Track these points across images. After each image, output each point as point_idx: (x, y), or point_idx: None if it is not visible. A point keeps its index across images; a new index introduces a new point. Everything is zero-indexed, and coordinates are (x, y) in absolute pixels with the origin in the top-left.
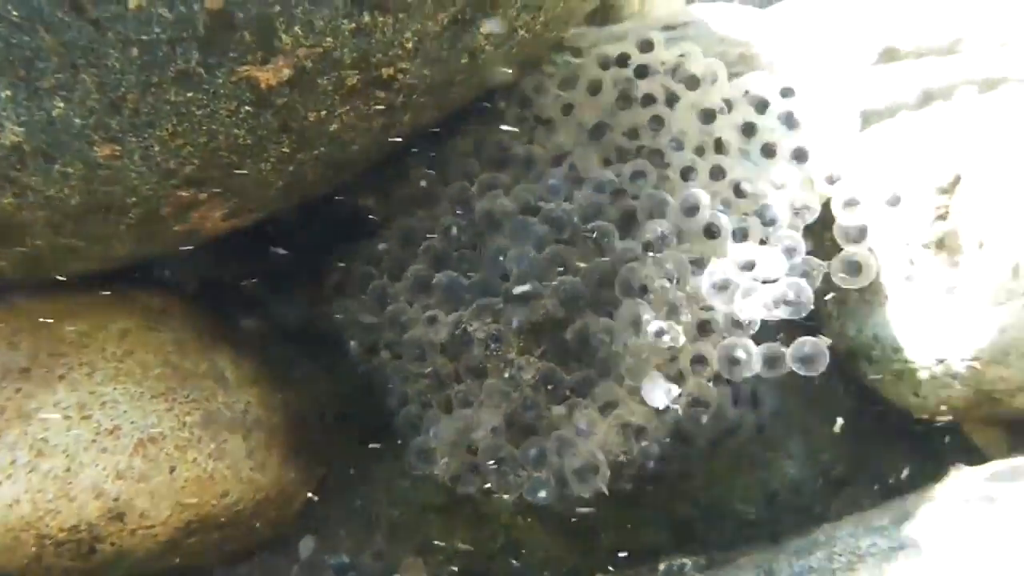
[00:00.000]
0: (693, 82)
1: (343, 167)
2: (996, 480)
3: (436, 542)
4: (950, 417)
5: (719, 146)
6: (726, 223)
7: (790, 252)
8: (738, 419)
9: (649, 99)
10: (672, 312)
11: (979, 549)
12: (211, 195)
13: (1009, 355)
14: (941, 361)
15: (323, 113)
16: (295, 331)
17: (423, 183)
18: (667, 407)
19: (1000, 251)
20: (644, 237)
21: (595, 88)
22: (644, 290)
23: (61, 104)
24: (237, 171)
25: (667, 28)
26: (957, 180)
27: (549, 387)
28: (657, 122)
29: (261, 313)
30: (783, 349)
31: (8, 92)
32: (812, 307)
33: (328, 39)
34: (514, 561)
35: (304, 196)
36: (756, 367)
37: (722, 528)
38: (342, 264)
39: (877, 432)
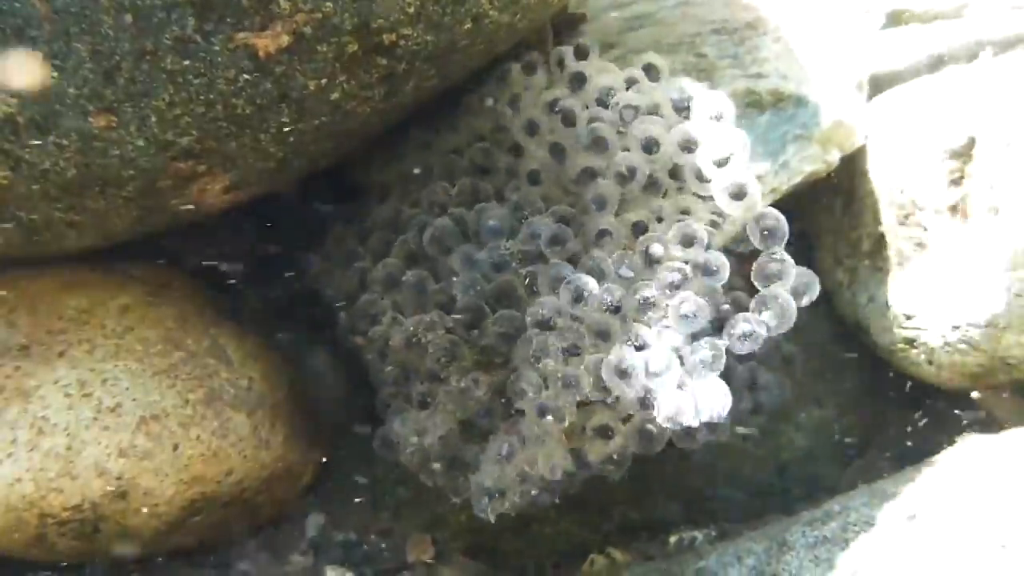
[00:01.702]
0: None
1: (345, 138)
2: (1010, 447)
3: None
4: (963, 384)
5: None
6: (623, 298)
7: (689, 319)
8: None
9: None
10: (566, 387)
11: (993, 517)
12: (210, 167)
13: None
14: (955, 328)
15: (323, 81)
16: (298, 307)
17: (417, 169)
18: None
19: (1016, 216)
20: (537, 315)
21: (532, 130)
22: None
23: (54, 73)
24: (236, 142)
25: None
26: (971, 144)
27: (502, 399)
28: (587, 175)
29: (264, 288)
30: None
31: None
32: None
33: (327, 4)
34: (522, 536)
35: (306, 169)
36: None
37: (733, 500)
38: (334, 236)
39: (889, 401)
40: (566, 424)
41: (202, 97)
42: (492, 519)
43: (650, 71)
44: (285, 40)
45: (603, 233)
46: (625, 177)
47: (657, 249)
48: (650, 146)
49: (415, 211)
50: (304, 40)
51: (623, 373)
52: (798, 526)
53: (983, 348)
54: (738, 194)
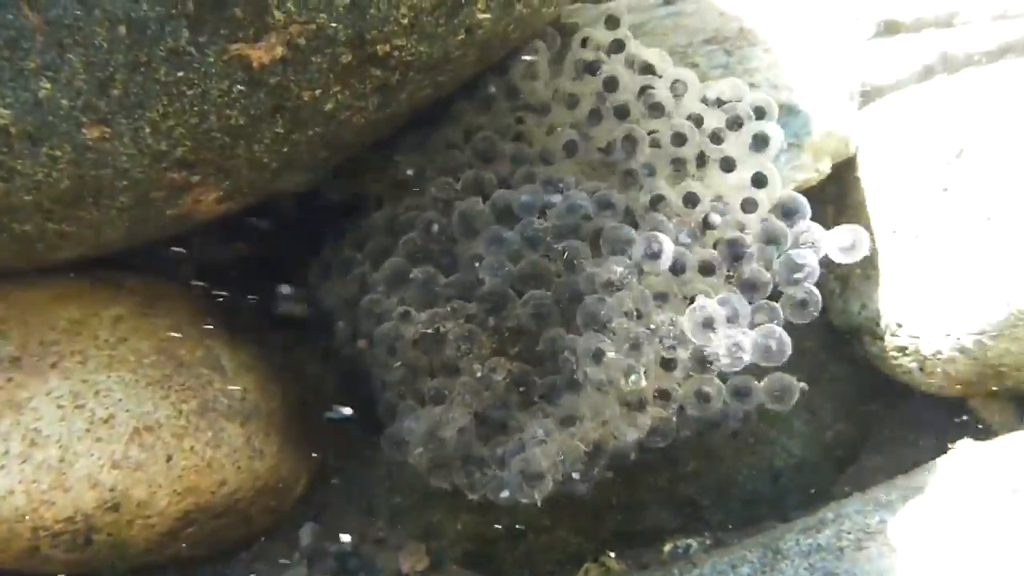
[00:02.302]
0: (658, 109)
1: (339, 148)
2: (1002, 454)
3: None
4: (956, 392)
5: (691, 165)
6: (692, 262)
7: (751, 288)
8: (725, 411)
9: (622, 112)
10: (634, 348)
11: (987, 524)
12: (204, 178)
13: (1016, 328)
14: (947, 336)
15: (317, 92)
16: (292, 316)
17: (410, 171)
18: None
19: (1007, 224)
20: (603, 276)
21: (572, 101)
22: (604, 326)
23: (48, 85)
24: (230, 153)
25: (666, 3)
26: (962, 153)
27: (520, 389)
28: (629, 142)
29: (257, 298)
30: (753, 383)
31: None
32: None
33: (321, 15)
34: (517, 545)
35: (300, 177)
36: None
37: (727, 508)
38: (330, 247)
39: (882, 408)
40: (639, 385)
41: (196, 108)
42: (539, 502)
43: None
44: (279, 51)
45: (659, 198)
46: (677, 140)
47: (715, 218)
48: (698, 122)
49: (413, 213)
50: (298, 51)
51: (708, 323)
52: (792, 534)
53: (975, 356)
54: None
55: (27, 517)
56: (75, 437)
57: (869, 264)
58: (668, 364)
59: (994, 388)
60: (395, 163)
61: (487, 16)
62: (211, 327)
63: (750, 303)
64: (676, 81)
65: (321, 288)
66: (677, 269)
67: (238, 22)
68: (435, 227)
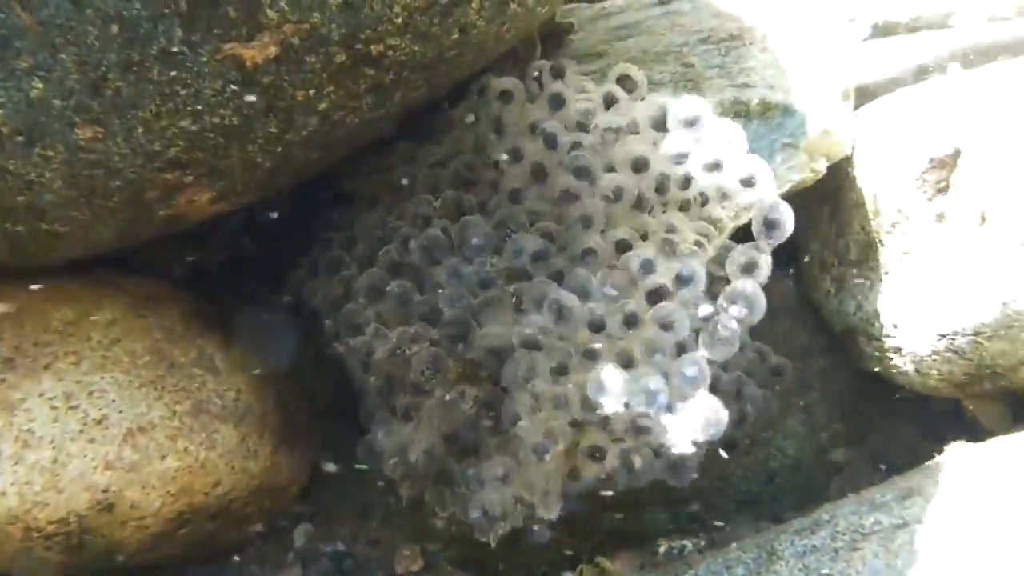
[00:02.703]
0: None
1: (332, 148)
2: (996, 455)
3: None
4: (951, 393)
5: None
6: (611, 317)
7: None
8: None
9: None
10: (557, 407)
11: (982, 524)
12: (197, 178)
13: (1011, 329)
14: (942, 336)
15: (311, 92)
16: (285, 316)
17: (404, 180)
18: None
19: (1003, 225)
20: (522, 335)
21: (516, 155)
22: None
23: (40, 85)
24: (224, 153)
25: (661, 3)
26: (957, 154)
27: (490, 413)
28: (569, 196)
29: (252, 298)
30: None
31: None
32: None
33: (315, 14)
34: (512, 546)
35: (293, 179)
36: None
37: (722, 509)
38: (319, 243)
39: (877, 409)
40: (561, 447)
41: (189, 108)
42: (493, 544)
43: (626, 82)
44: (273, 51)
45: (587, 252)
46: (611, 199)
47: (635, 264)
48: (640, 166)
49: (400, 222)
50: (292, 51)
51: (602, 392)
52: (787, 535)
53: (969, 357)
54: (748, 181)
55: (20, 518)
56: (68, 438)
57: (864, 265)
58: (603, 422)
59: (988, 389)
60: (389, 167)
61: (481, 16)
62: (204, 328)
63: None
64: (607, 130)
65: (307, 287)
66: (596, 327)
67: (231, 21)
68: (412, 243)
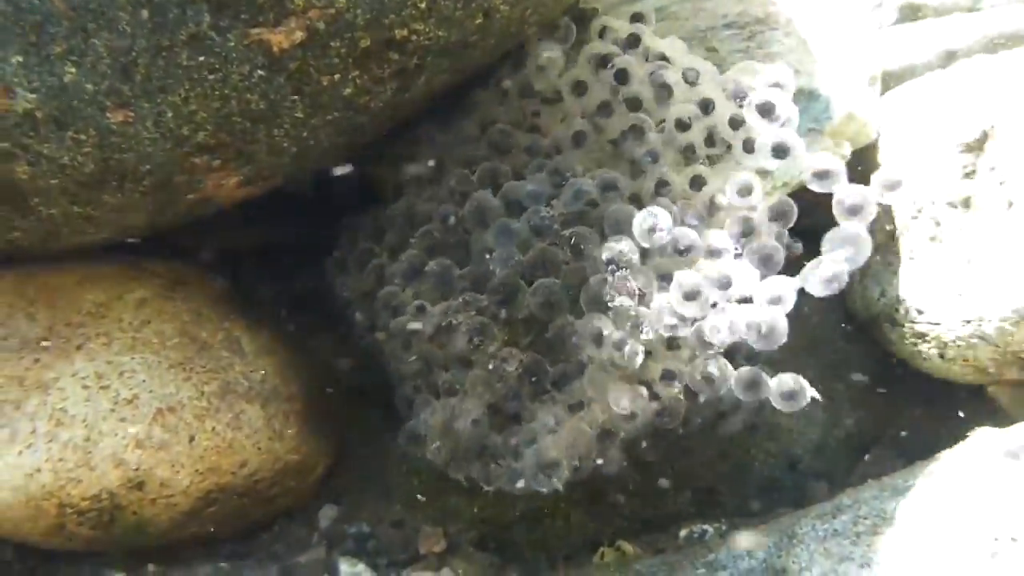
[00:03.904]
0: (665, 90)
1: (358, 133)
2: (1021, 441)
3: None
4: (975, 379)
5: (697, 150)
6: (695, 240)
7: (766, 262)
8: (734, 401)
9: (633, 104)
10: (635, 328)
11: (1006, 510)
12: (225, 162)
13: None
14: (968, 322)
15: (336, 77)
16: (310, 301)
17: (430, 162)
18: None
19: None
20: (604, 255)
21: (581, 89)
22: (606, 306)
23: (73, 70)
24: (251, 137)
25: None
26: (984, 138)
27: (532, 379)
28: (636, 132)
29: (277, 282)
30: (763, 376)
31: (20, 58)
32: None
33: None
34: (533, 529)
35: (319, 163)
36: (730, 384)
37: (744, 494)
38: (347, 236)
39: (900, 395)
40: (638, 363)
41: (217, 92)
42: (560, 488)
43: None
44: (299, 36)
45: (663, 183)
46: (680, 127)
47: (721, 199)
48: (706, 105)
49: (430, 205)
50: (318, 35)
51: (691, 295)
52: (808, 519)
53: (995, 343)
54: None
55: (54, 494)
56: (100, 417)
57: (889, 250)
58: (672, 344)
59: (1014, 375)
60: (414, 153)
61: (505, 1)
62: (231, 311)
63: (762, 278)
64: (688, 69)
65: (339, 278)
66: (682, 250)
67: (258, 7)
68: (452, 219)
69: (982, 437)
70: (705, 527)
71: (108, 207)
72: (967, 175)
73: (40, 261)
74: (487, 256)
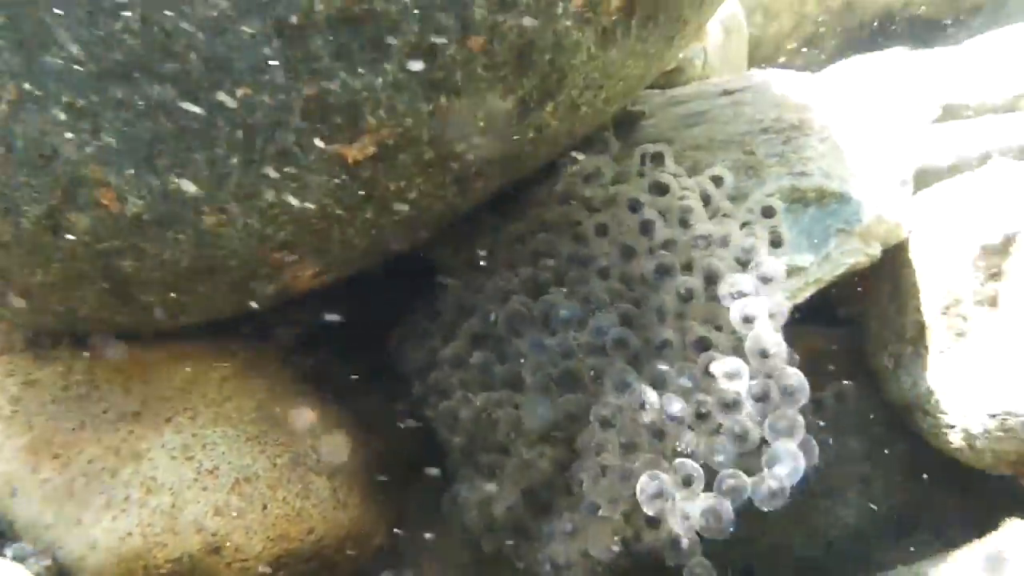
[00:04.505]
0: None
1: (421, 228)
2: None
3: None
4: (1005, 469)
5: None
6: (684, 409)
7: (739, 440)
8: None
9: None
10: (623, 479)
11: None
12: (302, 257)
13: None
14: (992, 416)
15: (403, 183)
16: (376, 375)
17: (482, 253)
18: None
19: None
20: (600, 413)
21: (601, 231)
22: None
23: (175, 180)
24: (326, 236)
25: (726, 92)
26: (1008, 242)
27: (563, 473)
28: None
29: (347, 359)
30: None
31: (132, 170)
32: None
33: (408, 120)
34: None
35: (386, 255)
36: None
37: (780, 574)
38: (408, 315)
39: (937, 482)
40: (618, 513)
41: (297, 198)
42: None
43: (717, 182)
44: (371, 150)
45: (664, 344)
46: (683, 298)
47: (716, 368)
48: (714, 278)
49: (480, 296)
50: (387, 149)
51: (657, 495)
52: None
53: (1020, 436)
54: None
55: (142, 557)
56: (185, 486)
57: (920, 343)
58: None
59: None
60: (470, 240)
61: (555, 117)
62: (303, 388)
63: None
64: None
65: (399, 352)
66: (672, 417)
67: (337, 128)
68: (492, 316)
69: (1014, 528)
70: None
71: (198, 295)
72: (992, 276)
73: (137, 340)
74: (520, 360)
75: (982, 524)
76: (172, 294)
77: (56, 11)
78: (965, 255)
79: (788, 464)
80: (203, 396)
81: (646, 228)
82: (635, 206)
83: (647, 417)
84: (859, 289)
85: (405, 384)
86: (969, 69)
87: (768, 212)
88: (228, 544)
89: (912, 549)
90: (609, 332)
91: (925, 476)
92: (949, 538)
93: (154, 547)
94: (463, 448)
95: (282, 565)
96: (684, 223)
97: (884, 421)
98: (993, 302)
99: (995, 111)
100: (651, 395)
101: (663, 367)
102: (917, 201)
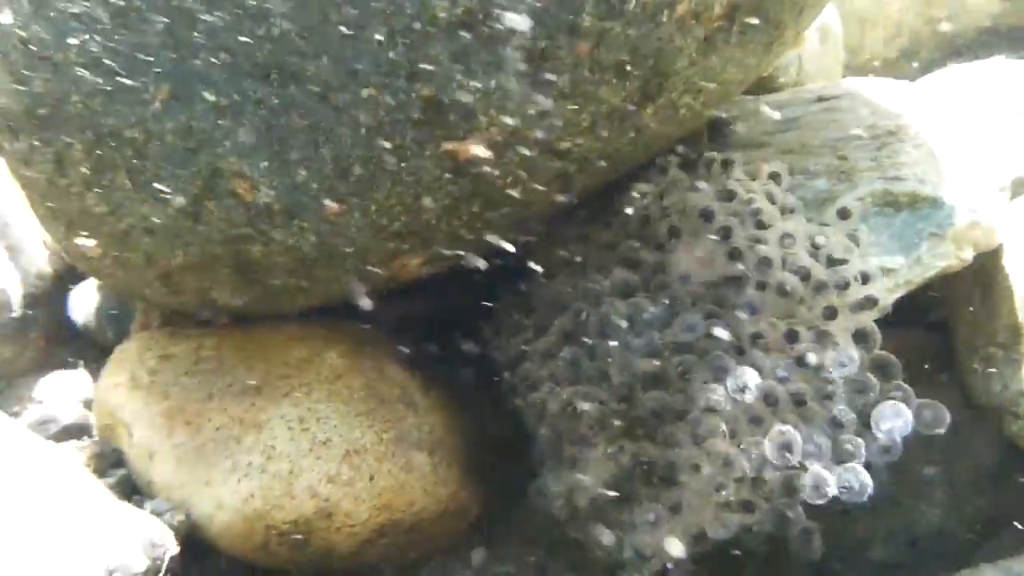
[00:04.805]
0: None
1: (524, 223)
2: None
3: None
4: None
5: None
6: (783, 395)
7: (837, 426)
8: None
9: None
10: (726, 465)
11: None
12: (412, 247)
13: None
14: None
15: (509, 179)
16: (473, 363)
17: (578, 257)
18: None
19: None
20: (702, 401)
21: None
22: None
23: (303, 172)
24: (435, 227)
25: (820, 99)
26: None
27: (644, 467)
28: (736, 284)
29: (447, 345)
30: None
31: (266, 163)
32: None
33: (517, 120)
34: None
35: (490, 247)
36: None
37: (862, 571)
38: (503, 306)
39: (1021, 486)
40: (723, 496)
41: (412, 191)
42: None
43: (776, 179)
44: (481, 148)
45: (757, 335)
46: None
47: (812, 358)
48: (805, 276)
49: (571, 295)
50: (495, 147)
51: (786, 446)
52: None
53: None
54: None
55: (263, 517)
56: (300, 454)
57: (1012, 348)
58: (757, 482)
59: None
60: (565, 243)
61: (654, 119)
62: (407, 371)
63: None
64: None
65: (493, 343)
66: (770, 401)
67: (451, 125)
68: (583, 315)
69: None
70: None
71: (318, 280)
72: None
73: (260, 321)
74: (608, 359)
75: None
76: (294, 279)
77: (205, 17)
78: None
79: (896, 420)
80: (317, 374)
81: (725, 234)
82: (708, 215)
83: (748, 400)
84: (950, 293)
85: (497, 373)
86: None
87: (844, 214)
88: (338, 510)
89: (1000, 550)
90: (697, 328)
91: (1012, 479)
92: None
93: (273, 509)
94: (549, 439)
95: (385, 533)
96: (760, 225)
97: (972, 423)
98: None
99: None
100: (753, 376)
101: (759, 355)
102: (1015, 208)
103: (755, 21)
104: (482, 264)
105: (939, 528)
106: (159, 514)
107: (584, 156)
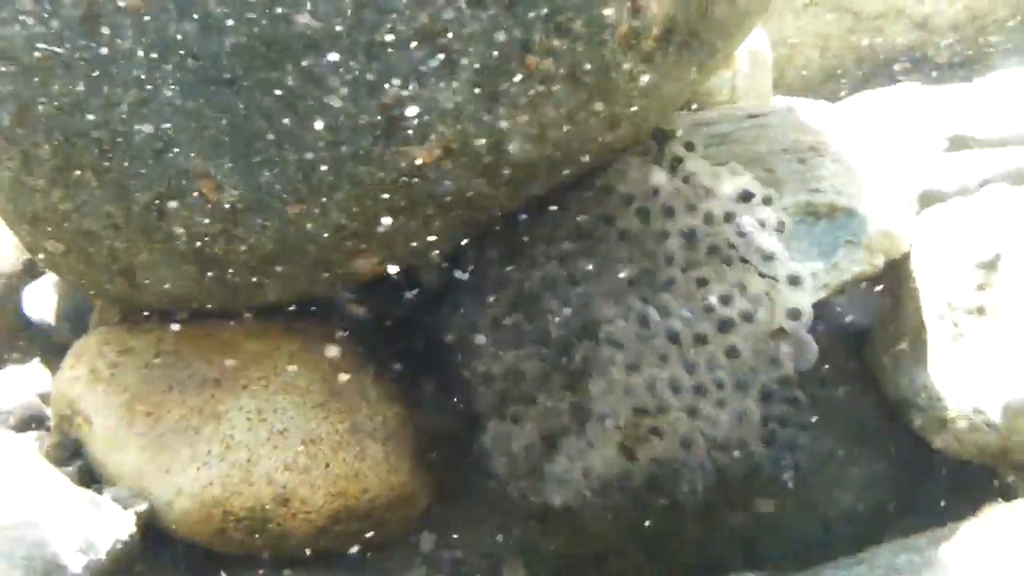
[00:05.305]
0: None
1: (475, 225)
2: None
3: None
4: (988, 461)
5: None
6: (685, 333)
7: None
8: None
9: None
10: (625, 393)
11: (1005, 567)
12: (370, 247)
13: None
14: (978, 412)
15: (462, 183)
16: (424, 355)
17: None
18: None
19: None
20: (611, 333)
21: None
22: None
23: (267, 173)
24: (392, 228)
25: (751, 116)
26: (996, 259)
27: (579, 420)
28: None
29: (400, 339)
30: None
31: (231, 164)
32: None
33: (471, 127)
34: (601, 566)
35: (443, 248)
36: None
37: (786, 549)
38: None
39: (926, 472)
40: (622, 424)
41: (371, 193)
42: (557, 503)
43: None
44: (437, 153)
45: (670, 281)
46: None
47: (713, 299)
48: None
49: (518, 271)
50: (451, 153)
51: (675, 388)
52: (830, 570)
53: (1001, 431)
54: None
55: (221, 503)
56: (259, 444)
57: (917, 345)
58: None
59: (1020, 459)
60: (518, 237)
61: (599, 129)
62: (361, 364)
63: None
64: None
65: (442, 326)
66: (673, 339)
67: (408, 132)
68: (526, 285)
69: (992, 512)
70: (749, 575)
71: (277, 277)
72: (981, 288)
73: (219, 318)
74: (549, 316)
75: (968, 509)
76: (254, 276)
77: (175, 26)
78: (958, 269)
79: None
80: (274, 367)
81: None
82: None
83: (650, 335)
84: (864, 298)
85: (448, 361)
86: (978, 105)
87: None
88: (295, 497)
89: (906, 532)
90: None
91: (917, 467)
92: (938, 523)
93: (232, 496)
94: (493, 402)
95: (339, 520)
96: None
97: (880, 416)
98: (982, 311)
99: (1001, 144)
100: (654, 314)
101: (667, 297)
102: (920, 220)
103: (689, 41)
104: (437, 263)
105: (851, 510)
106: (119, 501)
107: (534, 162)
